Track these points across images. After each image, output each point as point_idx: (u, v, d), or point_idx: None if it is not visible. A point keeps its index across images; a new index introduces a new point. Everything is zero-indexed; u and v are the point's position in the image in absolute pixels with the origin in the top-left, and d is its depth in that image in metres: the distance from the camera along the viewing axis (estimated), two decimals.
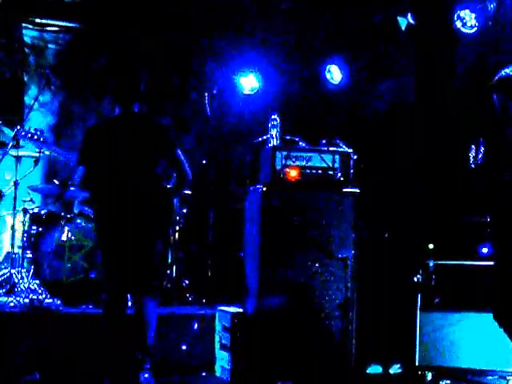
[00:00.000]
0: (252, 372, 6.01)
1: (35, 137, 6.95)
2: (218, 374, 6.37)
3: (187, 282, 7.38)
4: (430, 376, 6.23)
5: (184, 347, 6.40)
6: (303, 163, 6.21)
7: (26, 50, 9.02)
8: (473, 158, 5.06)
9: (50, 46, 9.08)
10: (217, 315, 6.46)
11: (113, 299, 5.45)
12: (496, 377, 6.18)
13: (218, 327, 6.42)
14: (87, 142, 5.63)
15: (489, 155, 4.99)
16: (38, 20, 9.00)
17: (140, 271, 5.43)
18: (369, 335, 6.47)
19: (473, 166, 5.05)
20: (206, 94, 6.95)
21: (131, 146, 5.44)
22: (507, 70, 5.06)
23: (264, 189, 6.10)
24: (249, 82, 8.53)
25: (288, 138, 6.43)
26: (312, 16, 8.71)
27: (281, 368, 6.05)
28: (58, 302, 6.57)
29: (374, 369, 6.51)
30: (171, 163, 5.60)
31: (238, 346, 6.09)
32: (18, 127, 7.10)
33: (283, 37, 8.89)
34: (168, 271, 7.17)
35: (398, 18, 7.88)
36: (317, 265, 6.15)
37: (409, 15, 7.78)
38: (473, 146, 5.06)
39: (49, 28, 9.07)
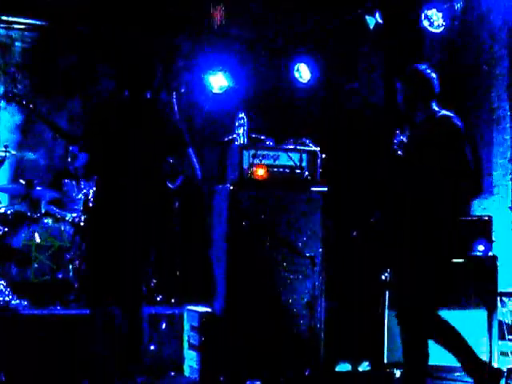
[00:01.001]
0: (221, 371, 6.00)
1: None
2: (186, 373, 6.35)
3: (155, 281, 7.35)
4: (398, 373, 6.25)
5: (152, 347, 6.37)
6: (271, 162, 6.22)
7: None
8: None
9: (16, 43, 9.00)
10: (185, 315, 6.43)
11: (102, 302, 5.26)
12: (464, 373, 6.22)
13: (186, 327, 6.41)
14: (92, 127, 5.34)
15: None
16: (4, 17, 8.91)
17: (135, 277, 5.30)
18: (337, 333, 6.48)
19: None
20: (174, 94, 6.92)
21: (140, 137, 5.20)
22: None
23: (231, 188, 6.09)
24: (218, 81, 8.52)
25: (255, 136, 6.42)
26: (281, 15, 8.73)
27: (250, 367, 6.05)
28: (25, 302, 6.51)
29: (343, 367, 6.53)
30: (181, 162, 5.49)
31: (207, 345, 6.08)
32: None
33: (252, 35, 8.90)
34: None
35: (367, 17, 7.90)
36: (285, 264, 6.16)
37: (377, 14, 7.81)
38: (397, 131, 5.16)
39: (16, 26, 8.98)
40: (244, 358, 6.01)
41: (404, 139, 5.08)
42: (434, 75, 5.17)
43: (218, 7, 7.90)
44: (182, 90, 7.78)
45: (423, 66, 5.22)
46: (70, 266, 6.96)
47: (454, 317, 5.50)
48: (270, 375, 6.05)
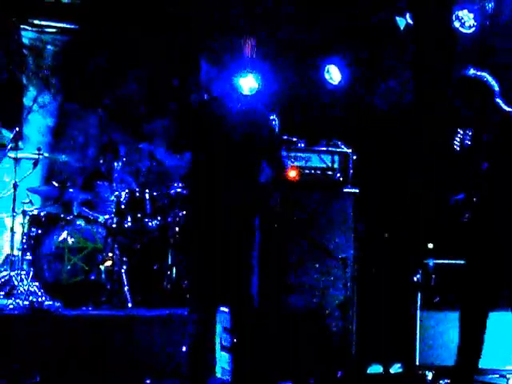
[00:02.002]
0: (253, 372, 6.00)
1: None
2: (218, 374, 6.36)
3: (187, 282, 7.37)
4: (430, 376, 6.22)
5: (184, 349, 6.38)
6: (302, 164, 6.21)
7: (25, 52, 9.03)
8: (459, 141, 5.10)
9: (48, 47, 9.09)
10: (217, 316, 6.44)
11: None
12: (497, 375, 6.18)
13: (218, 328, 6.41)
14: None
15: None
16: (36, 21, 9.00)
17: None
18: (369, 335, 6.46)
19: (458, 149, 5.10)
20: (206, 96, 6.93)
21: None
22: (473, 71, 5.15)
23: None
24: (248, 83, 8.50)
25: (286, 138, 6.42)
26: (311, 16, 8.71)
27: (281, 368, 6.05)
28: (58, 304, 6.54)
29: (375, 369, 6.50)
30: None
31: (239, 346, 6.07)
32: (17, 129, 7.11)
33: (282, 37, 8.89)
34: (168, 272, 7.16)
35: (397, 18, 7.87)
36: (317, 265, 6.15)
37: (407, 15, 7.78)
38: (460, 130, 5.10)
39: (47, 29, 9.07)
40: (276, 359, 6.01)
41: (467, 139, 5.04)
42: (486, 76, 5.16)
43: (249, 42, 7.91)
44: (214, 93, 7.77)
45: (474, 71, 5.19)
46: (102, 268, 7.00)
47: None
48: (301, 377, 6.04)
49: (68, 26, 9.06)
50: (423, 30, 7.96)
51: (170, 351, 6.28)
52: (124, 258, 7.00)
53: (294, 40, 8.83)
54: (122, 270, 6.93)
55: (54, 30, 9.08)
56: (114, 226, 7.09)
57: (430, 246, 6.55)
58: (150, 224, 7.12)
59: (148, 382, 5.97)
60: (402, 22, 7.89)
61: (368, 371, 6.48)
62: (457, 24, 7.59)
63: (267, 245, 6.02)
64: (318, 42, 8.71)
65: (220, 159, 5.09)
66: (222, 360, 6.28)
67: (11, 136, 7.30)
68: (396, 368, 6.52)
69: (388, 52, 8.38)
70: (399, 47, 8.32)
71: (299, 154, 6.20)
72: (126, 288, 6.84)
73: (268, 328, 5.99)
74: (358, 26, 8.34)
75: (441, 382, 6.19)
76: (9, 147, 7.25)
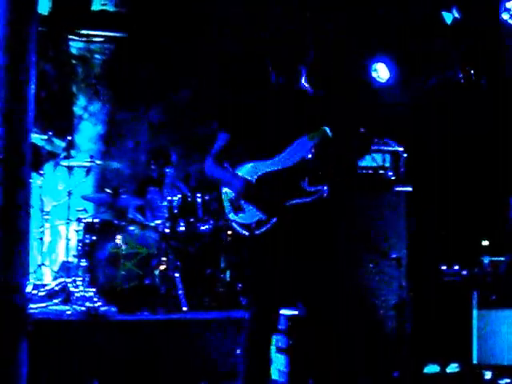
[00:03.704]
0: (309, 374, 5.99)
1: None
2: (274, 377, 6.36)
3: (240, 285, 7.39)
4: (488, 375, 6.14)
5: (239, 351, 6.39)
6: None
7: (74, 62, 9.15)
8: None
9: (96, 56, 9.20)
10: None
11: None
12: None
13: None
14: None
15: None
16: (83, 31, 9.12)
17: None
18: (425, 334, 6.41)
19: None
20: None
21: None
22: None
23: None
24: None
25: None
26: (356, 14, 8.67)
27: (337, 369, 6.03)
28: (114, 309, 6.59)
29: (431, 368, 6.44)
30: None
31: (295, 348, 6.08)
32: (69, 138, 7.20)
33: (329, 36, 8.87)
34: (222, 275, 7.19)
35: (444, 12, 7.80)
36: (371, 265, 6.13)
37: (454, 10, 7.70)
38: None
39: (95, 39, 9.19)
40: (332, 361, 5.99)
41: None
42: None
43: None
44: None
45: None
46: (156, 272, 7.05)
47: None
48: (357, 378, 6.02)
49: (115, 35, 9.16)
50: (471, 24, 7.88)
51: (225, 354, 6.31)
52: (177, 263, 7.05)
53: (340, 38, 8.81)
54: (176, 275, 6.98)
55: (101, 39, 9.19)
56: (167, 230, 7.15)
57: (486, 242, 6.48)
58: (202, 228, 7.16)
59: None
60: (448, 17, 7.80)
61: (424, 371, 6.43)
62: (505, 16, 7.47)
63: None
64: (365, 40, 8.67)
65: None
66: (278, 362, 6.28)
67: (63, 145, 7.41)
68: (453, 367, 6.45)
69: (436, 48, 8.30)
70: (448, 42, 8.24)
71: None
72: (180, 292, 6.88)
73: (324, 329, 5.98)
74: (405, 22, 8.28)
75: (499, 381, 6.12)
76: (62, 156, 7.36)
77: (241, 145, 4.73)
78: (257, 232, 4.49)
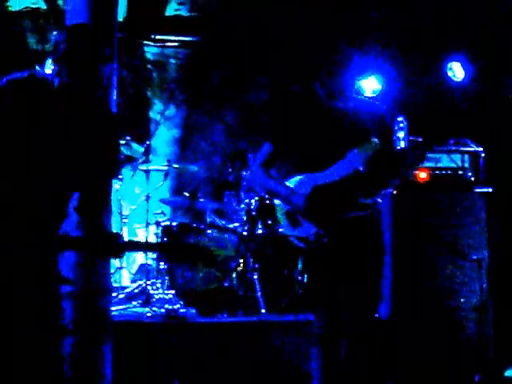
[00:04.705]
0: (388, 377, 5.96)
1: None
2: None
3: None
4: None
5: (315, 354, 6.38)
6: (432, 164, 6.15)
7: (149, 67, 9.28)
8: None
9: (171, 61, 9.31)
10: None
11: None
12: None
13: None
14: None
15: None
16: (158, 37, 9.24)
17: None
18: (506, 337, 6.31)
19: None
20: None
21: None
22: None
23: (394, 192, 6.06)
24: (370, 85, 8.46)
25: (414, 139, 6.35)
26: (431, 13, 8.59)
27: (417, 372, 5.98)
28: (193, 311, 6.66)
29: None
30: None
31: (374, 350, 6.04)
32: (148, 142, 7.31)
33: (403, 36, 8.79)
34: (299, 277, 7.18)
35: None
36: (450, 267, 6.07)
37: None
38: None
39: (169, 44, 9.30)
40: (411, 363, 5.95)
41: None
42: None
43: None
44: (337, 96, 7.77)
45: None
46: (234, 275, 7.09)
47: None
48: (437, 380, 5.96)
49: (189, 39, 9.26)
50: None
51: (303, 356, 6.30)
52: (256, 265, 7.07)
53: (414, 38, 8.73)
54: (255, 277, 7.01)
55: (175, 44, 9.29)
56: (245, 233, 7.18)
57: None
58: (280, 230, 7.17)
59: None
60: None
61: (506, 374, 6.33)
62: None
63: (400, 247, 5.99)
64: (439, 38, 8.58)
65: None
66: None
67: (141, 149, 7.52)
68: None
69: None
70: None
71: (429, 155, 6.12)
72: (258, 294, 6.91)
73: (403, 331, 5.95)
74: (481, 21, 8.17)
75: None
76: (141, 161, 7.47)
77: (288, 156, 4.73)
78: (314, 246, 4.46)
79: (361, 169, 4.46)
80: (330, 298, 4.68)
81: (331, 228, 4.44)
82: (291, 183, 4.58)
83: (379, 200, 4.53)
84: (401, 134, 6.21)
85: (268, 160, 4.68)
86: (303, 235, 4.47)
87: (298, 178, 4.56)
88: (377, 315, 6.11)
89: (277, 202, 4.63)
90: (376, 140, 4.53)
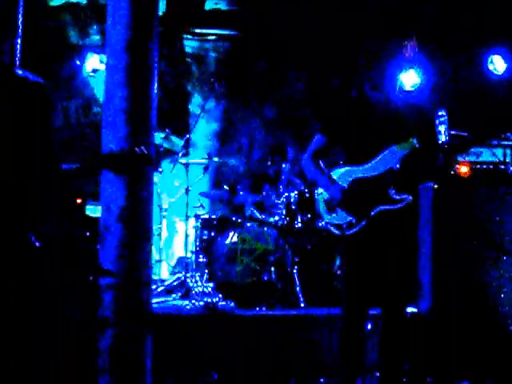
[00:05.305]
0: (429, 372, 5.93)
1: None
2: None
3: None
4: None
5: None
6: (473, 159, 6.10)
7: (188, 60, 9.30)
8: None
9: (210, 54, 9.33)
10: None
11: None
12: None
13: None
14: None
15: None
16: (197, 30, 9.27)
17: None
18: None
19: None
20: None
21: None
22: None
23: (435, 186, 6.02)
24: (410, 79, 8.41)
25: (455, 133, 6.28)
26: (471, 6, 8.50)
27: (457, 368, 5.94)
28: (232, 304, 6.68)
29: None
30: None
31: (414, 345, 6.02)
32: (187, 136, 7.33)
33: (442, 30, 8.72)
34: (338, 271, 7.17)
35: None
36: (493, 263, 6.01)
37: None
38: None
39: (208, 37, 9.32)
40: (452, 359, 5.91)
41: None
42: None
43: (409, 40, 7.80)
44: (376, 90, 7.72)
45: None
46: (273, 268, 7.09)
47: None
48: (478, 376, 5.91)
49: (228, 33, 9.27)
50: None
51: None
52: (295, 259, 7.07)
53: (454, 31, 8.65)
54: (294, 271, 7.01)
55: (215, 38, 9.31)
56: (284, 227, 7.18)
57: None
58: (319, 224, 7.16)
59: (322, 380, 6.01)
60: None
61: None
62: None
63: (441, 243, 5.95)
64: (480, 32, 8.49)
65: None
66: None
67: (181, 143, 7.54)
68: None
69: None
70: None
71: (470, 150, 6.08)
72: (297, 288, 6.91)
73: (444, 326, 5.91)
74: None
75: None
76: (180, 154, 7.50)
77: (337, 149, 5.10)
78: (348, 232, 4.84)
79: (397, 166, 4.83)
80: (356, 290, 4.93)
81: (362, 218, 4.81)
82: (335, 174, 4.94)
83: (410, 196, 4.82)
84: (442, 128, 6.13)
85: (319, 151, 5.06)
86: (338, 222, 4.88)
87: (342, 169, 4.94)
88: (416, 310, 6.11)
89: (320, 190, 5.01)
90: (414, 141, 4.89)
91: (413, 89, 8.44)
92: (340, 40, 8.55)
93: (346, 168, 4.92)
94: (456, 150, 5.37)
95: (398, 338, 4.94)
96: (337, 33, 8.63)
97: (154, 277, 7.37)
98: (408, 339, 5.14)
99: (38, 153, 3.61)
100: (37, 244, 3.56)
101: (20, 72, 3.65)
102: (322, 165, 5.08)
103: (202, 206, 7.86)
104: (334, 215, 4.90)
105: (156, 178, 7.63)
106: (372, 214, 4.79)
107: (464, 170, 6.02)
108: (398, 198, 4.81)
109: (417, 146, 4.89)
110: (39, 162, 3.62)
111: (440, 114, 6.13)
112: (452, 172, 6.00)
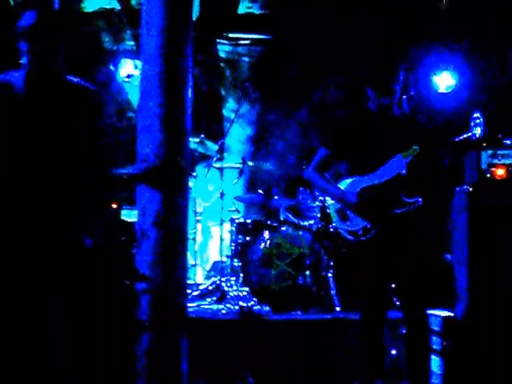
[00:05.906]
0: (465, 377, 5.87)
1: None
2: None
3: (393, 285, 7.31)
4: None
5: (393, 352, 6.35)
6: (510, 161, 6.02)
7: (222, 65, 9.33)
8: None
9: (243, 58, 9.35)
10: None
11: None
12: None
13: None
14: None
15: None
16: (231, 35, 9.29)
17: None
18: None
19: None
20: (404, 97, 6.89)
21: None
22: None
23: (470, 189, 5.95)
24: (444, 81, 8.37)
25: (491, 135, 6.23)
26: (506, 7, 8.43)
27: (493, 374, 5.88)
28: (267, 308, 6.69)
29: None
30: None
31: (450, 350, 5.97)
32: (221, 140, 7.35)
33: (474, 31, 8.66)
34: None
35: None
36: None
37: None
38: None
39: (242, 41, 9.34)
40: (488, 365, 5.85)
41: None
42: None
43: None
44: (412, 93, 7.70)
45: None
46: (308, 272, 7.08)
47: None
48: None
49: (262, 37, 9.28)
50: None
51: None
52: (330, 262, 7.06)
53: (487, 32, 8.59)
54: (329, 274, 7.00)
55: (248, 42, 9.33)
56: (319, 230, 7.17)
57: None
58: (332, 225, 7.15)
59: None
60: None
61: None
62: None
63: (478, 245, 5.88)
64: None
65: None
66: (433, 364, 6.19)
67: (215, 147, 7.57)
68: None
69: None
70: None
71: (507, 152, 6.00)
72: (332, 292, 6.90)
73: (480, 330, 5.85)
74: None
75: None
76: (215, 159, 7.53)
77: (341, 161, 5.34)
78: (363, 238, 5.06)
79: (403, 172, 5.02)
80: (373, 292, 5.16)
81: (378, 223, 5.00)
82: (342, 185, 5.18)
83: (419, 199, 5.02)
84: (477, 131, 6.09)
85: (323, 164, 5.27)
86: (352, 229, 5.10)
87: (348, 180, 5.17)
88: (452, 315, 6.06)
89: (329, 201, 5.32)
90: (416, 147, 5.05)
91: (447, 91, 8.40)
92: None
93: (352, 179, 5.13)
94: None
95: (421, 340, 5.18)
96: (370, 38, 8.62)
97: (189, 281, 7.39)
98: (429, 341, 5.45)
99: (87, 155, 3.72)
100: (88, 244, 3.63)
101: (74, 79, 3.77)
102: (327, 176, 5.28)
103: (237, 210, 7.89)
104: (347, 223, 5.14)
105: (190, 182, 7.65)
106: (387, 218, 4.98)
107: (500, 172, 5.94)
108: (409, 201, 5.00)
109: (418, 151, 5.07)
110: (88, 164, 3.73)
111: (475, 115, 6.10)
112: (488, 175, 5.94)
